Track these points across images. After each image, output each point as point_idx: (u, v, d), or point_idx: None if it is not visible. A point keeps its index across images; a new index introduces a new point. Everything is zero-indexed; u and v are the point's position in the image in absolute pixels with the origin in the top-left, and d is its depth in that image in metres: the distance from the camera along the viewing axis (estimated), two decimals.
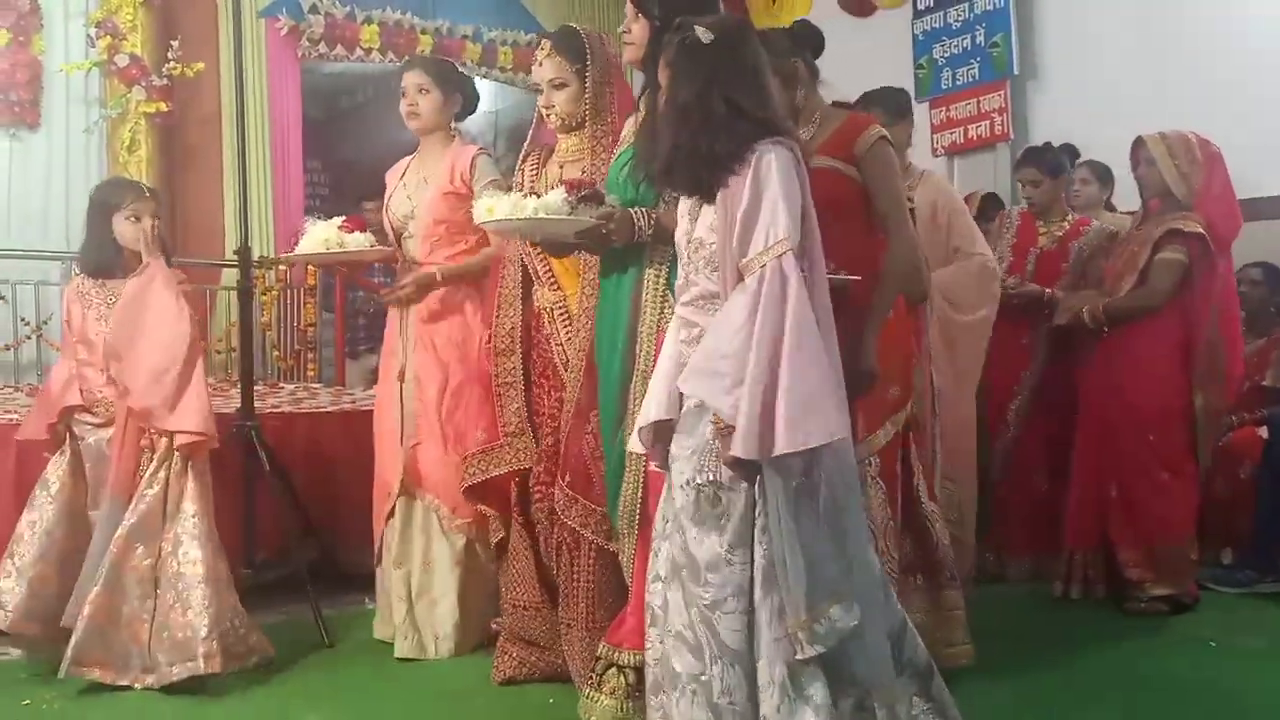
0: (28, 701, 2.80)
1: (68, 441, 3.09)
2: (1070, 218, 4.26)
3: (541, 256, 2.89)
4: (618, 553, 2.64)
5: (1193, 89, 4.75)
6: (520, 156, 3.03)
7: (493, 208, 2.51)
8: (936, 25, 6.04)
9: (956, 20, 5.91)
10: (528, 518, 2.93)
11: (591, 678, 2.54)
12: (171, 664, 2.84)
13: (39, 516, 3.02)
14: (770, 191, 1.97)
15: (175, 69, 6.18)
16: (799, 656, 1.92)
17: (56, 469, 3.08)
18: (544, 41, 2.87)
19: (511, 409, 2.92)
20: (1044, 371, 4.12)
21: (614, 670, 2.49)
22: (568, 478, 2.70)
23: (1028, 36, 5.64)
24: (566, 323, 2.85)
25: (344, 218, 3.23)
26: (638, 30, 2.59)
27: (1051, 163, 4.25)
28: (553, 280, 2.89)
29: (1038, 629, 3.49)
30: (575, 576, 2.74)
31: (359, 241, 3.18)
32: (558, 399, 2.83)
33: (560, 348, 2.85)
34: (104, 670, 2.86)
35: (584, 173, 2.79)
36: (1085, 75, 5.36)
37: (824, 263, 2.08)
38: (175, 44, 6.20)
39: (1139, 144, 3.80)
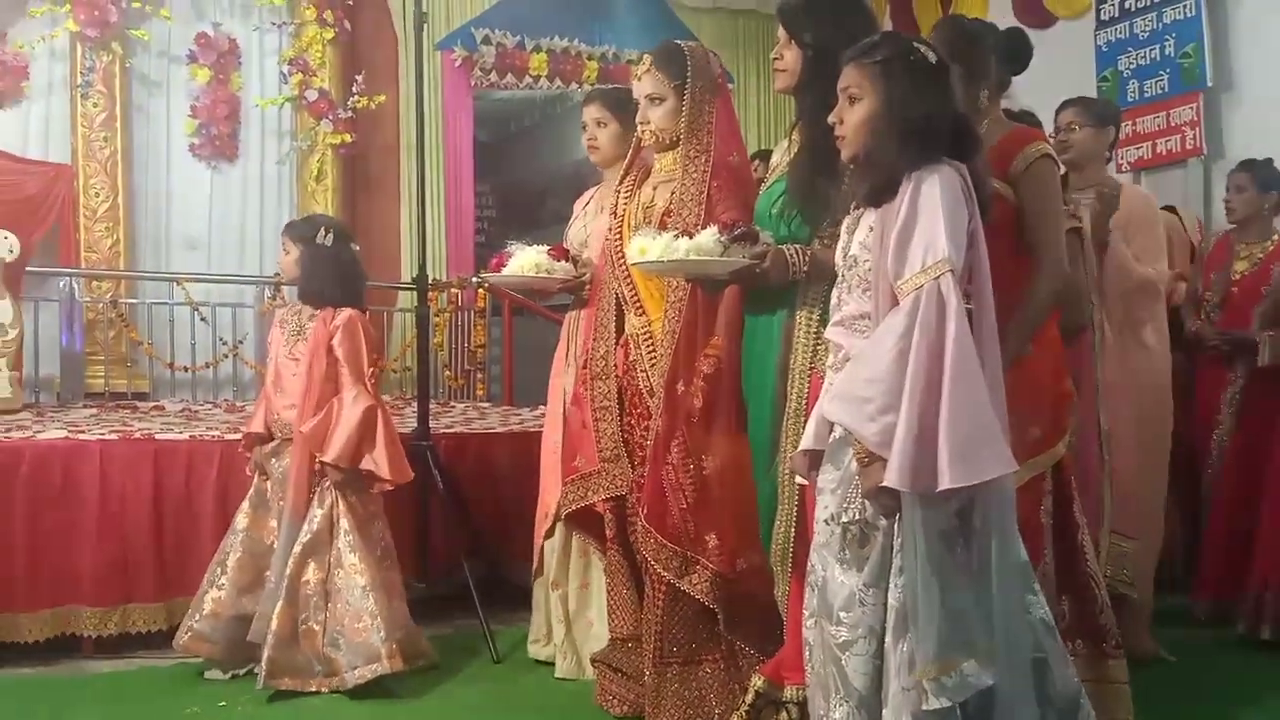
0: (223, 703, 2.99)
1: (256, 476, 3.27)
2: (1275, 238, 3.95)
3: (629, 282, 2.87)
4: (689, 591, 2.58)
5: None
6: (619, 178, 3.01)
7: (645, 248, 2.47)
8: (1122, 36, 5.75)
9: (1144, 30, 5.62)
10: (626, 547, 2.90)
11: (744, 710, 2.48)
12: (355, 666, 2.99)
13: (228, 546, 3.21)
14: (930, 212, 1.88)
15: (359, 102, 6.53)
16: (925, 707, 1.82)
17: (247, 498, 3.27)
18: (645, 57, 2.85)
19: (607, 434, 2.89)
20: (1242, 410, 3.81)
21: (773, 707, 2.43)
22: (645, 509, 2.65)
23: (1221, 46, 5.29)
24: (651, 349, 2.81)
25: (550, 246, 3.27)
26: (790, 57, 2.50)
27: (1265, 177, 3.95)
28: (639, 306, 2.86)
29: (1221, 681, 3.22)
30: (650, 610, 2.69)
31: (565, 269, 3.21)
32: (646, 426, 2.79)
33: (645, 374, 2.82)
34: (292, 679, 3.04)
35: (674, 194, 2.74)
36: None
37: (991, 292, 1.97)
38: (359, 78, 6.56)
39: None
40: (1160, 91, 5.53)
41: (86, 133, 6.00)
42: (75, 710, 2.94)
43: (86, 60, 5.98)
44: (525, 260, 3.18)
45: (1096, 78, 5.83)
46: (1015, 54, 2.66)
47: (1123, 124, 5.67)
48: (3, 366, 4.48)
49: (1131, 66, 5.69)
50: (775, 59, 2.55)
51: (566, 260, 3.23)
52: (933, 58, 1.99)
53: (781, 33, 2.53)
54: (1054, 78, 4.80)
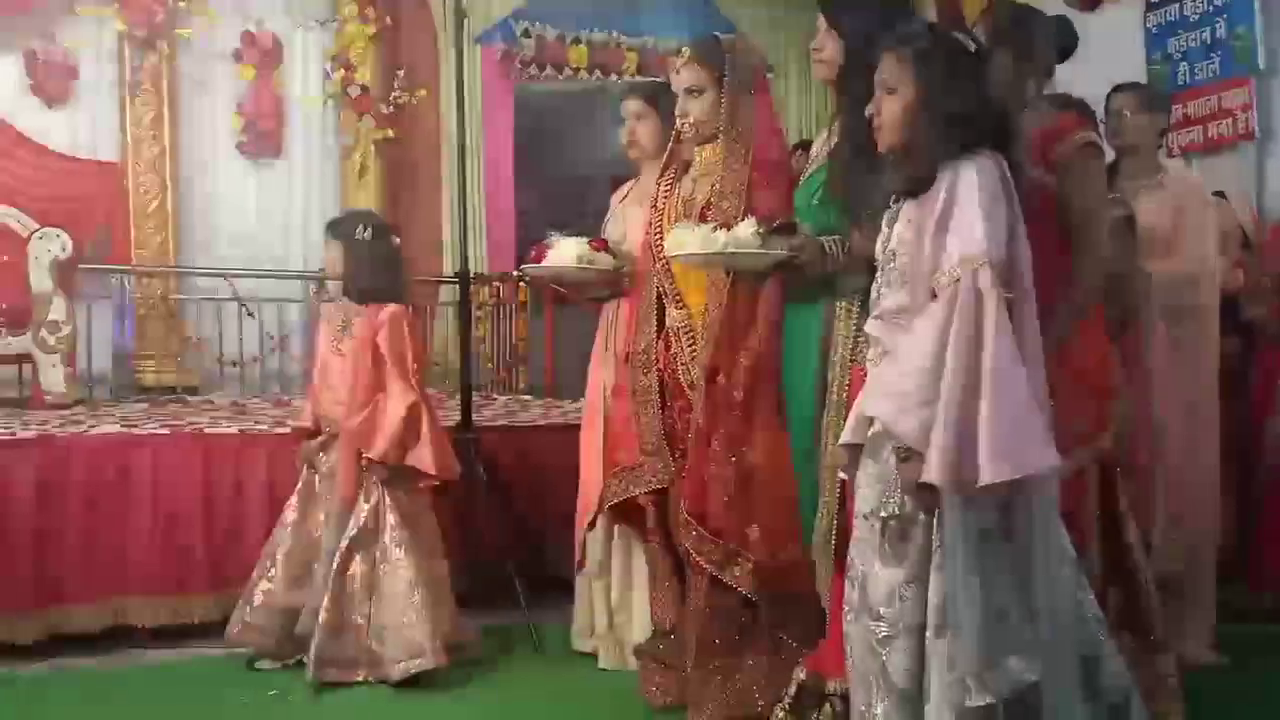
0: (274, 692, 3.05)
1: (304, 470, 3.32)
2: None
3: (669, 275, 2.86)
4: (731, 583, 2.58)
5: None
6: (659, 171, 3.00)
7: (684, 241, 2.47)
8: (1172, 18, 5.63)
9: (1194, 12, 5.49)
10: (668, 539, 2.90)
11: (788, 703, 2.48)
12: (399, 660, 3.02)
13: (277, 539, 3.27)
14: (967, 202, 1.86)
15: (401, 97, 6.59)
16: (969, 703, 1.80)
17: (296, 492, 3.31)
18: (684, 48, 2.83)
19: (649, 427, 2.89)
20: None
21: (817, 699, 2.42)
22: (686, 502, 2.65)
23: (1274, 28, 5.15)
24: (691, 342, 2.80)
25: (591, 238, 3.26)
26: (830, 47, 2.48)
27: None
28: (679, 298, 2.85)
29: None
30: (692, 603, 2.69)
31: (606, 262, 3.20)
32: (686, 419, 2.78)
33: (685, 367, 2.81)
34: (339, 670, 3.08)
35: (714, 187, 2.73)
36: None
37: (1033, 283, 1.94)
38: (401, 74, 6.61)
39: None
40: (1212, 75, 5.42)
41: (135, 132, 6.11)
42: (131, 699, 3.01)
43: (134, 60, 6.09)
44: (566, 252, 3.17)
45: (1146, 61, 5.72)
46: (1061, 43, 2.62)
47: (1174, 108, 5.59)
48: (57, 362, 4.58)
49: (1182, 49, 5.58)
50: (815, 49, 2.52)
51: (607, 253, 3.22)
52: (971, 45, 1.97)
53: (822, 22, 2.50)
54: (1103, 62, 4.71)
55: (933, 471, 1.77)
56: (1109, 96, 3.51)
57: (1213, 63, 5.41)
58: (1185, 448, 3.20)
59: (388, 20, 6.65)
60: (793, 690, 2.45)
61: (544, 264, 3.19)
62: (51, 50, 5.96)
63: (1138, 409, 2.93)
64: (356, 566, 3.10)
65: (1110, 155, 2.99)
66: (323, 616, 3.05)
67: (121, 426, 3.74)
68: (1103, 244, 2.43)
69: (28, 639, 3.32)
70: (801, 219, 2.49)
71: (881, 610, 1.91)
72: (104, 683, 3.16)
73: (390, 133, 6.62)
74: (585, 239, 3.19)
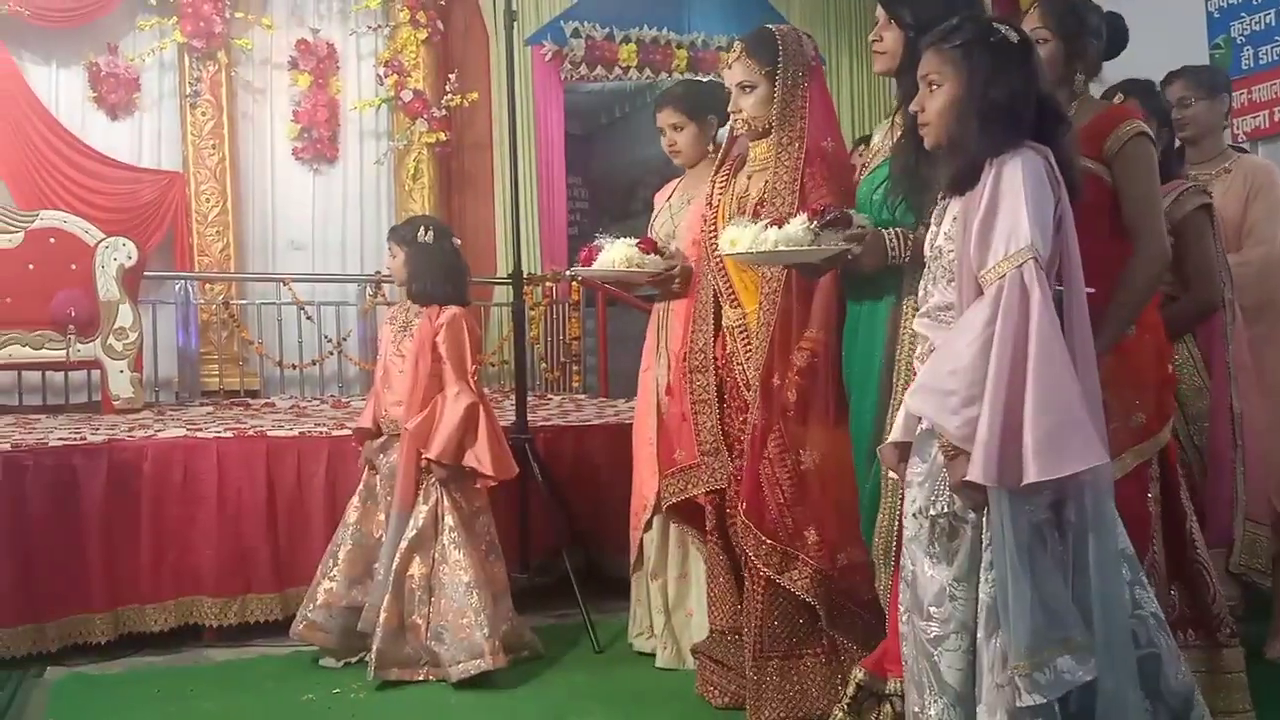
0: (337, 690, 3.10)
1: (366, 470, 3.37)
2: None
3: (724, 274, 2.84)
4: (789, 586, 2.57)
5: None
6: (714, 168, 2.98)
7: (736, 239, 2.44)
8: (1234, 1, 5.50)
9: None
10: (726, 539, 2.89)
11: (846, 703, 2.46)
12: (458, 661, 3.06)
13: (339, 539, 3.32)
14: (1012, 197, 1.83)
15: (453, 100, 6.65)
16: (1019, 704, 1.77)
17: (357, 492, 3.37)
18: (736, 43, 2.79)
19: (706, 427, 2.87)
20: None
21: (875, 699, 2.40)
22: (743, 504, 2.64)
23: None
24: (746, 341, 2.77)
25: (639, 239, 3.28)
26: (890, 39, 2.46)
27: None
28: (733, 298, 2.83)
29: None
30: (750, 604, 2.68)
31: (655, 263, 3.21)
32: (743, 420, 2.76)
33: (741, 367, 2.79)
34: (400, 669, 3.13)
35: (768, 183, 2.70)
36: None
37: (1082, 278, 1.91)
38: (452, 77, 6.67)
39: None
40: (1276, 58, 5.29)
41: (196, 141, 6.25)
42: (199, 696, 3.08)
43: (194, 70, 6.22)
44: (615, 254, 3.18)
45: (1208, 45, 5.59)
46: (1112, 38, 2.57)
47: (1238, 92, 5.46)
48: (125, 368, 4.70)
49: (1245, 32, 5.45)
50: (874, 41, 2.50)
51: (655, 253, 3.23)
52: (1015, 37, 1.94)
53: (880, 13, 2.48)
54: (1164, 46, 4.59)
55: (976, 470, 1.76)
56: (1163, 83, 3.42)
57: (1277, 45, 5.28)
58: (1265, 441, 3.12)
59: (439, 25, 6.72)
60: (851, 691, 2.43)
61: (594, 267, 3.22)
62: (114, 63, 6.12)
63: (1218, 401, 2.88)
64: (416, 567, 3.15)
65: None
66: (383, 616, 3.09)
67: (187, 430, 3.82)
68: (1160, 235, 2.38)
69: (102, 638, 3.41)
70: (866, 212, 2.46)
71: (932, 610, 1.91)
72: (174, 681, 3.23)
73: (443, 136, 6.69)
74: (633, 240, 3.20)
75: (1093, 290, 2.23)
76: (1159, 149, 2.84)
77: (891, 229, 2.39)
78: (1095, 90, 2.63)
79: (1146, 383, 2.42)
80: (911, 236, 2.38)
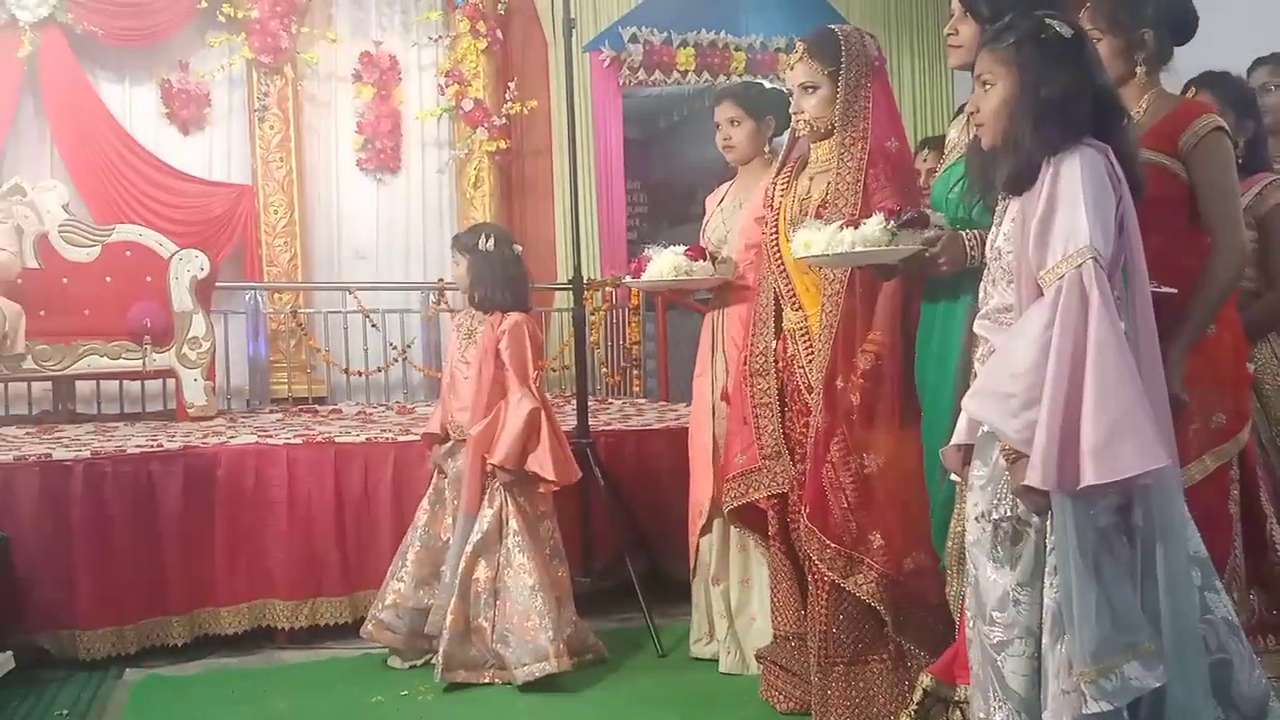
0: (405, 692, 3.14)
1: (435, 474, 3.42)
2: None
3: (785, 277, 2.81)
4: (854, 591, 2.54)
5: None
6: (773, 171, 2.96)
7: (810, 242, 2.43)
8: None
9: None
10: (788, 544, 2.87)
11: (913, 710, 2.43)
12: (524, 664, 3.08)
13: (408, 541, 3.38)
14: (1071, 197, 1.80)
15: (512, 108, 6.71)
16: (1085, 711, 1.74)
17: (426, 495, 3.42)
18: (798, 44, 2.77)
19: (768, 431, 2.85)
20: None
21: (942, 705, 2.36)
22: (807, 509, 2.61)
23: None
24: (808, 344, 2.74)
25: (687, 246, 3.31)
26: (966, 32, 2.42)
27: None
28: (795, 300, 2.80)
29: None
30: (814, 609, 2.65)
31: (704, 269, 3.25)
32: (805, 423, 2.73)
33: (803, 370, 2.76)
34: (467, 672, 3.17)
35: (830, 184, 2.67)
36: None
37: (1147, 277, 1.88)
38: (512, 85, 6.74)
39: None
40: None
41: (264, 154, 6.39)
42: (272, 696, 3.14)
43: (261, 85, 6.37)
44: (663, 264, 3.24)
45: None
46: (1179, 24, 2.50)
47: None
48: (198, 377, 4.82)
49: None
50: (949, 34, 2.47)
51: (704, 259, 3.25)
52: (1067, 32, 1.91)
53: (956, 6, 2.44)
54: (1249, 32, 4.44)
55: (1035, 474, 1.74)
56: (1249, 70, 3.32)
57: None
58: None
59: (499, 34, 6.79)
60: (918, 697, 2.39)
61: (642, 278, 3.30)
62: (185, 80, 6.28)
63: None
64: (481, 570, 3.18)
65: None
66: (450, 619, 3.13)
67: (258, 437, 3.90)
68: (1239, 231, 2.32)
69: (179, 640, 3.51)
70: (939, 210, 2.43)
71: (995, 615, 1.89)
72: (248, 682, 3.31)
73: (503, 144, 6.76)
74: (682, 248, 3.24)
75: (1174, 290, 2.19)
76: (1241, 141, 2.76)
77: (970, 230, 2.36)
78: (1171, 81, 2.55)
79: (1225, 381, 2.36)
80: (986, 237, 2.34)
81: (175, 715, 3.01)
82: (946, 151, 2.61)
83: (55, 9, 5.83)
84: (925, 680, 2.37)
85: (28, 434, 4.26)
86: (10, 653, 3.16)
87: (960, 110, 2.50)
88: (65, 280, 4.95)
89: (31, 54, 5.84)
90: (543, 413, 3.22)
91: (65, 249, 4.99)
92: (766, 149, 3.38)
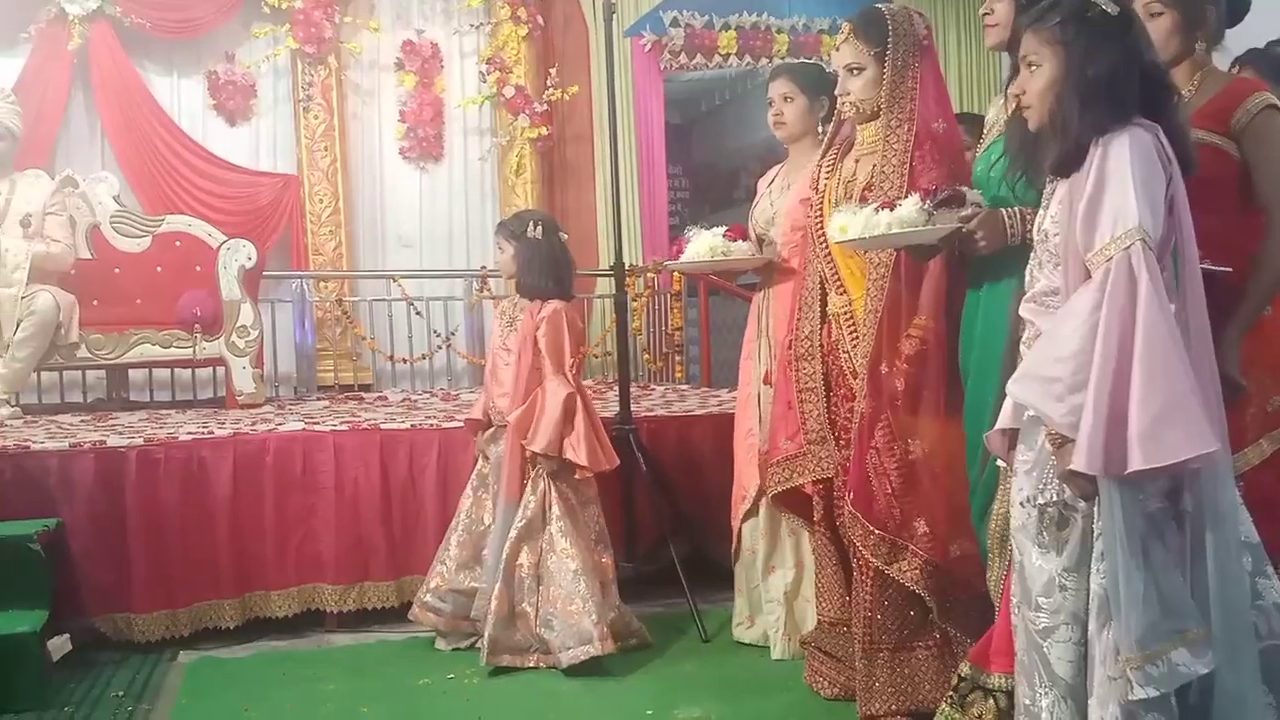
0: (451, 675, 3.18)
1: (479, 459, 3.45)
2: None
3: (830, 261, 2.78)
4: (898, 578, 2.52)
5: None
6: (820, 152, 2.92)
7: (845, 226, 2.41)
8: None
9: None
10: (833, 529, 2.85)
11: (950, 696, 2.40)
12: (568, 647, 3.10)
13: (454, 524, 3.42)
14: (1119, 177, 1.77)
15: (554, 94, 6.71)
16: (1131, 697, 1.72)
17: (470, 480, 3.46)
18: (844, 24, 2.74)
19: (813, 416, 2.83)
20: None
21: (980, 693, 2.34)
22: (851, 494, 2.60)
23: None
24: (852, 329, 2.72)
25: (727, 227, 3.30)
26: (1001, 11, 2.39)
27: None
28: (839, 285, 2.77)
29: None
30: (858, 595, 2.64)
31: (743, 250, 3.25)
32: (850, 408, 2.71)
33: (847, 355, 2.73)
34: (511, 656, 3.20)
35: (876, 166, 2.63)
36: None
37: (1197, 258, 1.84)
38: (553, 71, 6.73)
39: None
40: None
41: (309, 143, 6.45)
42: (321, 679, 3.19)
43: (306, 75, 6.42)
44: (701, 245, 3.24)
45: None
46: (1231, 5, 2.44)
47: None
48: (247, 364, 4.89)
49: None
50: (985, 14, 2.44)
51: (744, 240, 3.23)
52: (1114, 9, 1.87)
53: None
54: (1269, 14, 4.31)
55: (1080, 458, 1.72)
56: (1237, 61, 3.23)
57: None
58: None
59: (539, 20, 6.78)
60: (955, 682, 2.39)
61: (681, 260, 3.31)
62: (231, 71, 6.35)
63: None
64: (525, 556, 3.20)
65: None
66: (494, 604, 3.16)
67: (305, 424, 3.96)
68: None
69: (230, 623, 3.57)
70: (983, 189, 2.40)
71: (1041, 600, 1.88)
72: (298, 664, 3.37)
73: (544, 130, 6.76)
74: (720, 229, 3.22)
75: (1229, 270, 2.14)
76: None
77: (1008, 208, 2.32)
78: (1219, 59, 2.50)
79: None
80: (1030, 215, 2.29)
81: (228, 696, 3.07)
82: (986, 130, 2.58)
83: (104, 2, 5.92)
84: (963, 666, 2.36)
85: (83, 421, 4.36)
86: (67, 635, 3.25)
87: (1008, 87, 2.45)
88: (117, 270, 5.05)
89: (81, 47, 5.93)
90: (578, 399, 3.23)
91: (117, 239, 5.09)
92: (820, 130, 3.34)
